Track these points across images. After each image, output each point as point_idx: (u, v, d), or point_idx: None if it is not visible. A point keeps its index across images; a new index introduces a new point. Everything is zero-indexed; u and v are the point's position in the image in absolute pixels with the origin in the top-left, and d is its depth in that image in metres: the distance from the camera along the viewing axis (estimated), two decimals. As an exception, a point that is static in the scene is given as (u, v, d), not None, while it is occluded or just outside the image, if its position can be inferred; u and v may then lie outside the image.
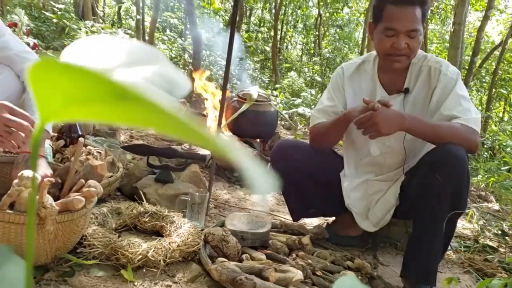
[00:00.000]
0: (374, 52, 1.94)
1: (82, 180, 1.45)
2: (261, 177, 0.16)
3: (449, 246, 2.20)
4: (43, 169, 1.53)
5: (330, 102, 1.97)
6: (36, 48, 2.93)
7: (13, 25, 2.92)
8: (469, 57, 8.59)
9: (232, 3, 1.97)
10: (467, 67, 7.67)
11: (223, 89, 2.04)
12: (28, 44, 2.89)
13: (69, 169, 1.51)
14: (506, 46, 8.52)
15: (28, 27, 3.29)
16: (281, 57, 13.42)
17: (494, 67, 9.52)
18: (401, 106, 1.83)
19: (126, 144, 2.42)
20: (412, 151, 1.88)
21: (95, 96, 0.14)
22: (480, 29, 7.57)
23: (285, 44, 16.47)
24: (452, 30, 5.47)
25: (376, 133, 1.65)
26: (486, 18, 7.60)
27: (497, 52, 9.88)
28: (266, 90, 7.18)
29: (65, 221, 1.33)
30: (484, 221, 2.85)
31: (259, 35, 15.43)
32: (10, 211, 1.25)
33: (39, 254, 1.33)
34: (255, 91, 3.21)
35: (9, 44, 1.66)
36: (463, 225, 2.72)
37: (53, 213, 1.26)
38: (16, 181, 1.25)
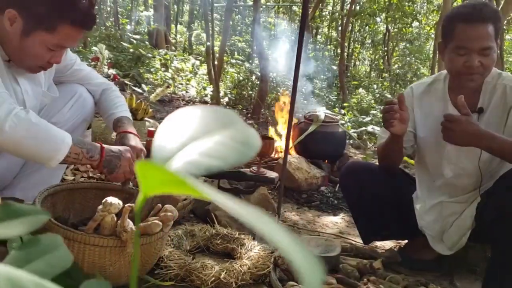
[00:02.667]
0: (444, 71, 1.90)
1: (159, 205, 1.54)
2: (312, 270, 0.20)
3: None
4: (133, 142, 1.67)
5: (398, 122, 1.94)
6: (116, 79, 3.16)
7: (95, 60, 3.17)
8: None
9: (299, 27, 2.02)
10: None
11: (290, 111, 2.08)
12: (109, 75, 3.12)
13: (147, 194, 1.60)
14: None
15: (109, 61, 3.55)
16: (348, 74, 13.30)
17: None
18: (475, 126, 1.76)
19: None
20: (489, 172, 1.80)
21: (166, 182, 0.21)
22: None
23: (352, 61, 16.32)
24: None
25: (447, 138, 1.64)
26: None
27: None
28: (334, 109, 7.14)
29: (144, 244, 1.42)
30: None
31: (326, 53, 15.41)
32: (95, 235, 1.36)
33: (120, 275, 1.42)
34: (322, 112, 3.22)
35: (82, 66, 1.86)
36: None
37: (134, 236, 1.35)
38: (100, 206, 1.36)
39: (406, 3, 11.18)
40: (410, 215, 1.98)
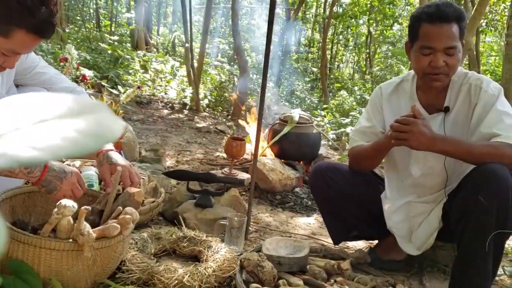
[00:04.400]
0: (412, 71, 1.90)
1: (120, 207, 1.51)
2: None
3: (503, 270, 2.08)
4: (120, 161, 1.69)
5: (368, 122, 1.95)
6: (85, 79, 3.11)
7: (64, 60, 3.11)
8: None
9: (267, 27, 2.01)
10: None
11: (259, 112, 2.07)
12: (78, 77, 3.07)
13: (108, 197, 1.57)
14: None
15: (78, 61, 3.50)
16: (331, 76, 13.35)
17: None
18: (441, 126, 1.77)
19: (167, 170, 2.48)
20: (455, 172, 1.81)
21: None
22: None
23: (336, 63, 16.40)
24: (505, 43, 5.24)
25: (405, 142, 1.63)
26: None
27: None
28: (315, 111, 7.16)
29: (103, 248, 1.39)
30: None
31: (310, 55, 15.46)
32: (50, 239, 1.32)
33: (78, 280, 1.38)
34: (296, 113, 3.21)
35: (46, 70, 1.80)
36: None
37: (90, 240, 1.31)
38: (55, 209, 1.32)
39: (387, 6, 11.27)
40: (379, 215, 1.98)
